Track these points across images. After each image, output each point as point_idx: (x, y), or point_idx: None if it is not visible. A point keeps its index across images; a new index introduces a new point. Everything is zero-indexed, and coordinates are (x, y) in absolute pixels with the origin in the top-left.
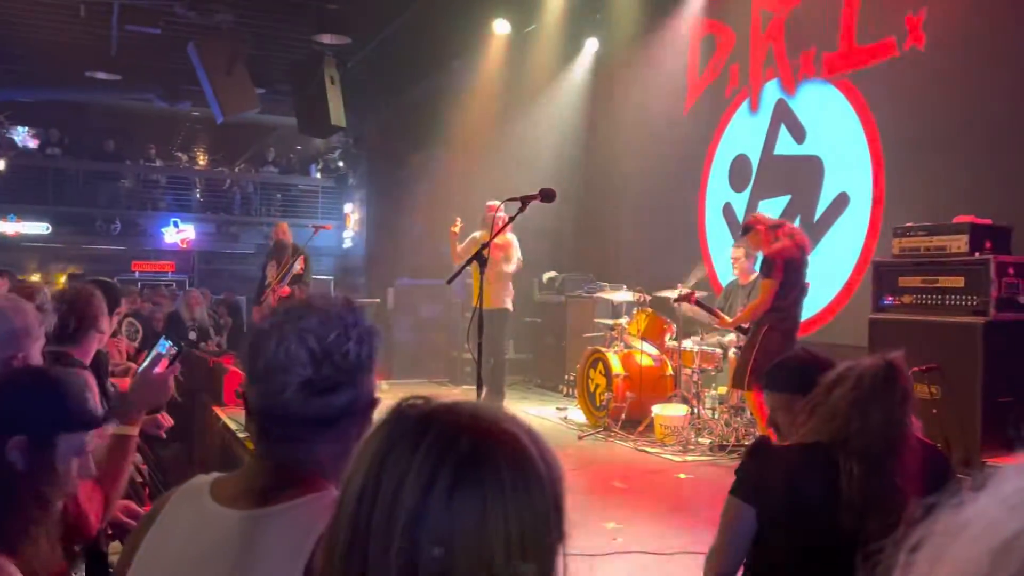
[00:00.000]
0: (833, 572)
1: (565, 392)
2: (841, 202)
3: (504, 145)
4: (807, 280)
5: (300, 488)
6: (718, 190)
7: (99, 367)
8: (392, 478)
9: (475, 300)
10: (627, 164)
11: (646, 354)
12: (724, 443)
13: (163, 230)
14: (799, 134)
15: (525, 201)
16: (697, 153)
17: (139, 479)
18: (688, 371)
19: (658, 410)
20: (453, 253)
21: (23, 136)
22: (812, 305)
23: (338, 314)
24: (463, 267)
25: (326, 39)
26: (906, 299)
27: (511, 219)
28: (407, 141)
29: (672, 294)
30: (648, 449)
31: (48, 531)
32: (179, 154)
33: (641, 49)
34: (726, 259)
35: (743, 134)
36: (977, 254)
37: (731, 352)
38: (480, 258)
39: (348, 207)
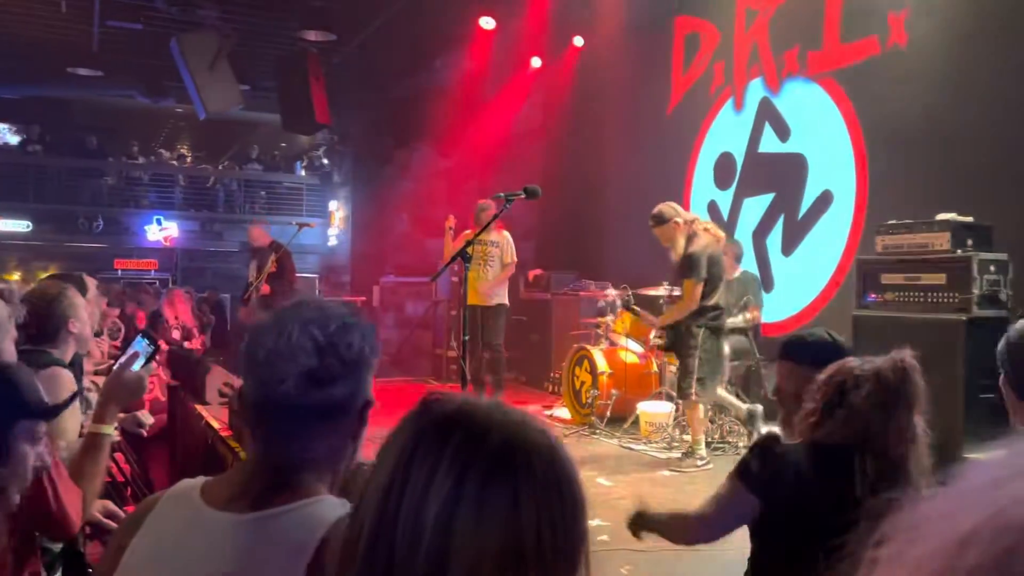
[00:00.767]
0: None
1: (551, 390)
2: (825, 200)
3: (489, 142)
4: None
5: (295, 492)
6: (703, 188)
7: (74, 365)
8: (421, 474)
9: (470, 298)
10: (612, 162)
11: (631, 351)
12: (708, 440)
13: (146, 228)
14: (783, 132)
15: (510, 198)
16: (682, 151)
17: (120, 478)
18: (673, 368)
19: (643, 407)
20: (446, 249)
21: (3, 133)
22: (796, 302)
23: (340, 309)
24: (448, 264)
25: (311, 35)
26: (889, 296)
27: (495, 216)
28: (392, 138)
29: (658, 292)
30: (633, 446)
31: (3, 521)
32: (162, 151)
33: (626, 47)
34: None
35: (728, 132)
36: (959, 251)
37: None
38: (464, 255)
39: (333, 204)
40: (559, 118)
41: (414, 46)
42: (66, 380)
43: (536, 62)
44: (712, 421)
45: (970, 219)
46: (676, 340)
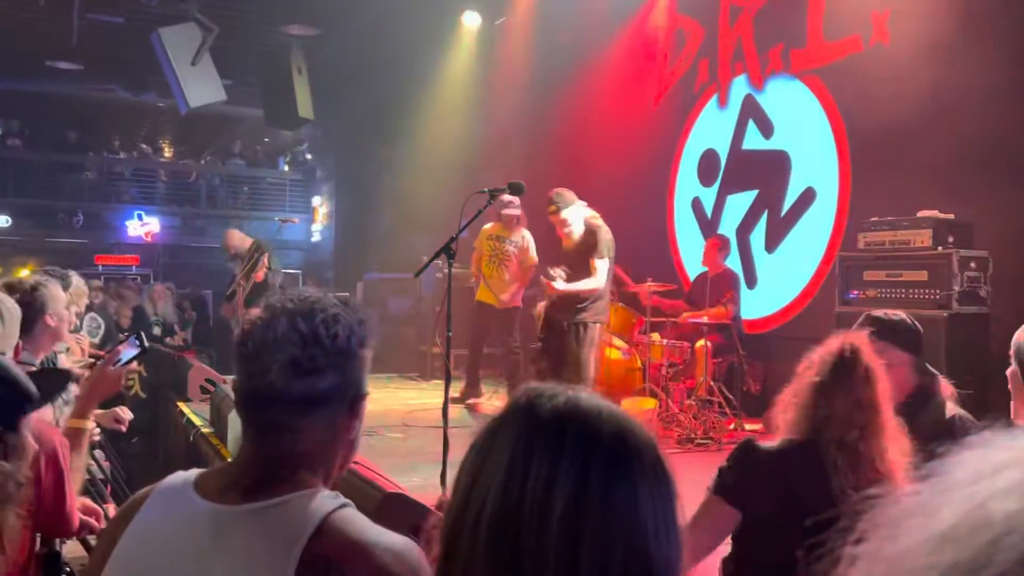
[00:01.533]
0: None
1: None
2: (808, 197)
3: (474, 138)
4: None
5: (288, 484)
6: (687, 184)
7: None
8: (543, 469)
9: (480, 295)
10: (597, 158)
11: (616, 348)
12: (692, 436)
13: (127, 223)
14: (767, 129)
15: (493, 194)
16: (666, 147)
17: (101, 476)
18: (657, 365)
19: (627, 403)
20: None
21: None
22: (779, 299)
23: (329, 302)
24: (431, 260)
25: (294, 30)
26: (871, 293)
27: (479, 212)
28: (376, 134)
29: (645, 288)
30: None
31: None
32: (143, 146)
33: (610, 42)
34: (694, 252)
35: (712, 129)
36: (940, 249)
37: (698, 345)
38: (448, 251)
39: (316, 200)
40: (543, 114)
41: (398, 42)
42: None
43: (521, 58)
44: (695, 417)
45: (951, 216)
46: (566, 336)
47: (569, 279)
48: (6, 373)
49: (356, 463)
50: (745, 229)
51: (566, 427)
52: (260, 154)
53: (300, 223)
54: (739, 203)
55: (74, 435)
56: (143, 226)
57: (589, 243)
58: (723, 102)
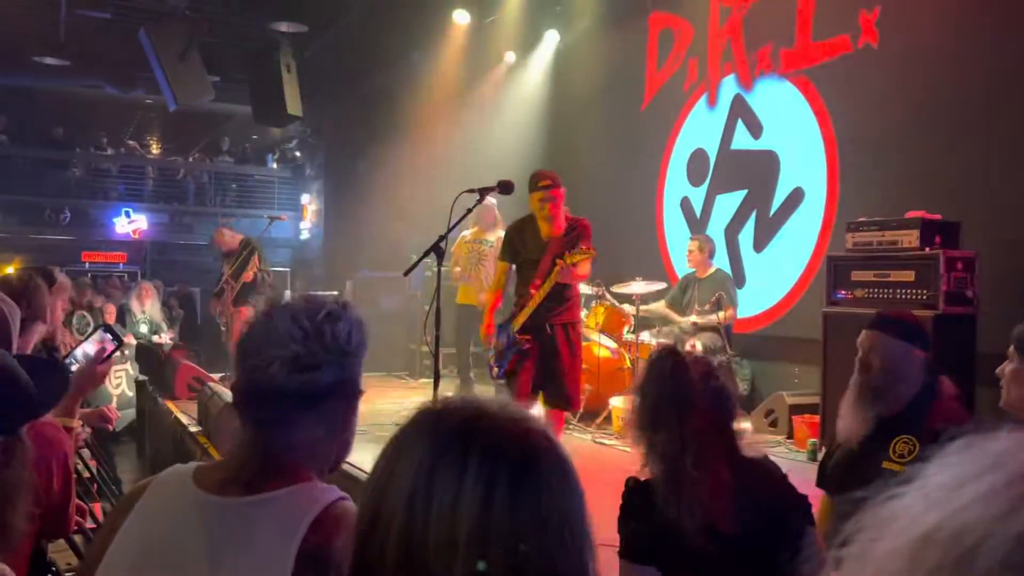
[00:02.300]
0: None
1: None
2: (796, 197)
3: (463, 137)
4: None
5: (286, 478)
6: (676, 184)
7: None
8: (447, 488)
9: (461, 297)
10: (586, 157)
11: (604, 347)
12: None
13: (114, 220)
14: (756, 129)
15: (483, 193)
16: (655, 147)
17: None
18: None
19: (616, 402)
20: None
21: None
22: (767, 298)
23: (330, 301)
24: (420, 259)
25: (282, 27)
26: (859, 293)
27: (468, 211)
28: (365, 131)
29: (632, 288)
30: (606, 441)
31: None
32: (131, 142)
33: (601, 42)
34: (684, 252)
35: (701, 128)
36: (927, 249)
37: (688, 345)
38: (439, 251)
39: (305, 198)
40: (533, 113)
41: (388, 39)
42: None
43: (510, 57)
44: None
45: (938, 217)
46: (552, 340)
47: (542, 273)
48: (15, 375)
49: (349, 462)
50: (734, 229)
51: (470, 442)
52: (249, 151)
53: (289, 221)
54: (728, 203)
55: None
56: (131, 223)
57: (576, 236)
58: (712, 102)
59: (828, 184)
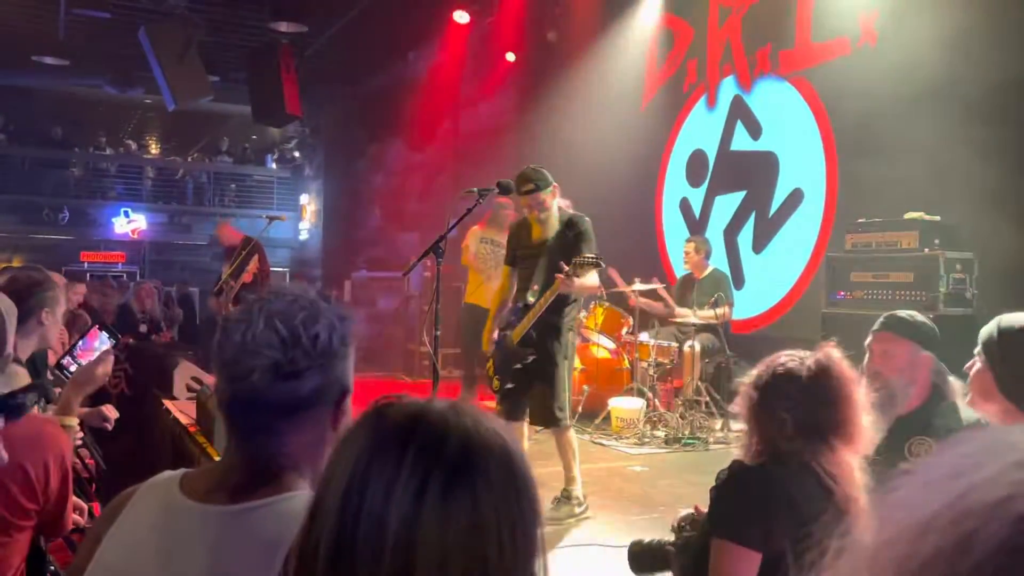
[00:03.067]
0: None
1: None
2: (796, 198)
3: (462, 137)
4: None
5: (274, 485)
6: (675, 185)
7: (35, 361)
8: (380, 485)
9: (470, 296)
10: (585, 157)
11: (603, 347)
12: (679, 436)
13: (113, 220)
14: (755, 130)
15: (482, 194)
16: (655, 148)
17: (85, 474)
18: (644, 364)
19: (614, 403)
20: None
21: None
22: (767, 299)
23: (309, 299)
24: (420, 259)
25: (282, 26)
26: (858, 294)
27: (467, 212)
28: (365, 131)
29: (631, 288)
30: (604, 442)
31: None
32: (130, 142)
33: (600, 42)
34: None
35: (700, 129)
36: (926, 250)
37: (686, 345)
38: (437, 250)
39: (304, 198)
40: (533, 113)
41: (387, 39)
42: (23, 381)
43: (510, 56)
44: (683, 417)
45: (937, 218)
46: (542, 349)
47: (534, 277)
48: None
49: None
50: (733, 230)
51: (409, 440)
52: (248, 151)
53: (288, 221)
54: (727, 204)
55: None
56: (129, 223)
57: (573, 237)
58: (712, 103)
59: (827, 185)
